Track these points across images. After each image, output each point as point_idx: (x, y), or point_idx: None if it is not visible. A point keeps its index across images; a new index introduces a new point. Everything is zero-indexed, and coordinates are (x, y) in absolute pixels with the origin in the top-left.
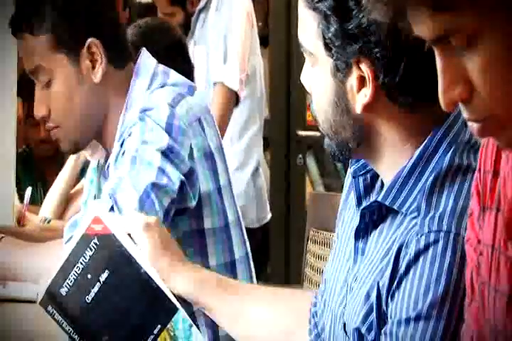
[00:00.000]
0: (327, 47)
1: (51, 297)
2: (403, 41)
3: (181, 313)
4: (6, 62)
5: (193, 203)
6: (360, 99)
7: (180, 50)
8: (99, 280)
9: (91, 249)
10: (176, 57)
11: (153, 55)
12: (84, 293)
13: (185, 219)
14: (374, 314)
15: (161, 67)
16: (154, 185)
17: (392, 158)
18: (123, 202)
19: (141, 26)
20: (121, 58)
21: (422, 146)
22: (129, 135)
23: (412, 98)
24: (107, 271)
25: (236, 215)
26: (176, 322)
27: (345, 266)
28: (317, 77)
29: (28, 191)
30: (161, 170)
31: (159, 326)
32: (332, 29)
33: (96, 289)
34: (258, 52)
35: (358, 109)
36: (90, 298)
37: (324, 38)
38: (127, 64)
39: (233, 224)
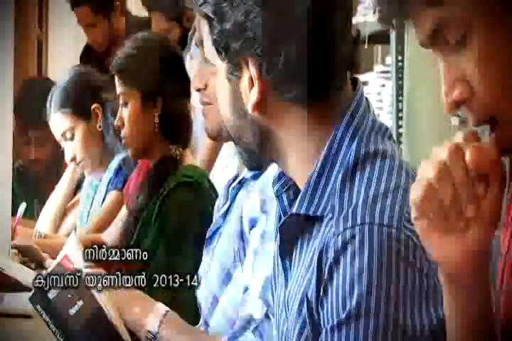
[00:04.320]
0: (218, 51)
1: (41, 296)
2: (278, 36)
3: None
4: (3, 77)
5: None
6: (251, 99)
7: (177, 63)
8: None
9: (69, 274)
10: (172, 70)
11: (150, 68)
12: (67, 307)
13: None
14: (308, 327)
15: None
16: None
17: (298, 158)
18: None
19: (139, 39)
20: None
21: (326, 147)
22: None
23: (299, 93)
24: (81, 301)
25: None
26: None
27: (281, 289)
28: (218, 85)
29: (22, 207)
30: None
31: None
32: (216, 31)
33: (79, 305)
34: None
35: (250, 109)
36: (73, 312)
37: (214, 42)
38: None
39: None
